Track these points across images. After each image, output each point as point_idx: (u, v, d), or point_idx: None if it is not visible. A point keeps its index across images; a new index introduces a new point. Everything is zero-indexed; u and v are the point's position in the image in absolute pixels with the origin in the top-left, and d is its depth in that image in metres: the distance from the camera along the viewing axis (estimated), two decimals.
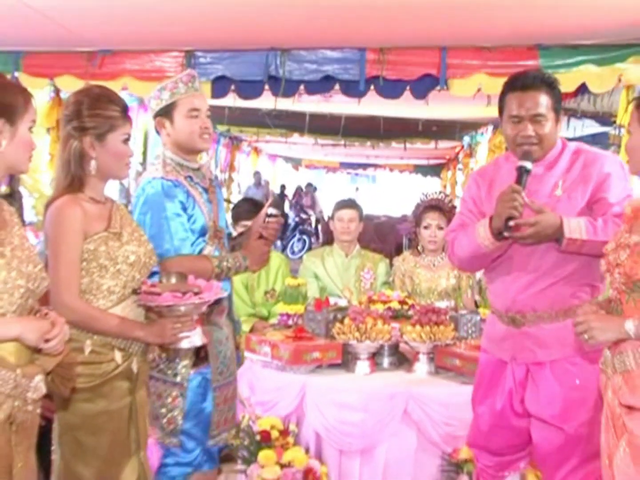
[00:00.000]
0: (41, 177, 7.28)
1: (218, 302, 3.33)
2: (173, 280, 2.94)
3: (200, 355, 3.35)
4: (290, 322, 4.65)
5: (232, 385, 3.60)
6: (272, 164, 20.93)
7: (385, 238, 12.24)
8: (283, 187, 20.76)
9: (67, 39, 5.49)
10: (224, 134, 12.94)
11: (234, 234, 3.90)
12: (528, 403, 3.24)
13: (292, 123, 10.70)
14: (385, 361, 4.42)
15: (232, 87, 5.86)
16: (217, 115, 3.34)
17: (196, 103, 3.44)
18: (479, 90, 5.41)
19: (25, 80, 5.68)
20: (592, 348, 2.74)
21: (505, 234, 3.04)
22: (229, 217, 4.91)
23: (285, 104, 7.09)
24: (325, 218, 14.83)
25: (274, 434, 4.10)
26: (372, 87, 5.65)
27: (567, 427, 3.14)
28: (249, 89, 5.88)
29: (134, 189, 3.55)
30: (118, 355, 2.84)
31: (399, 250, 9.09)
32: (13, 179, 7.12)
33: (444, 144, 13.44)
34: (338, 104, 7.83)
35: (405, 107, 8.07)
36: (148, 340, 2.90)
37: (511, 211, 2.98)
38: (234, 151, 14.33)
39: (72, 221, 2.78)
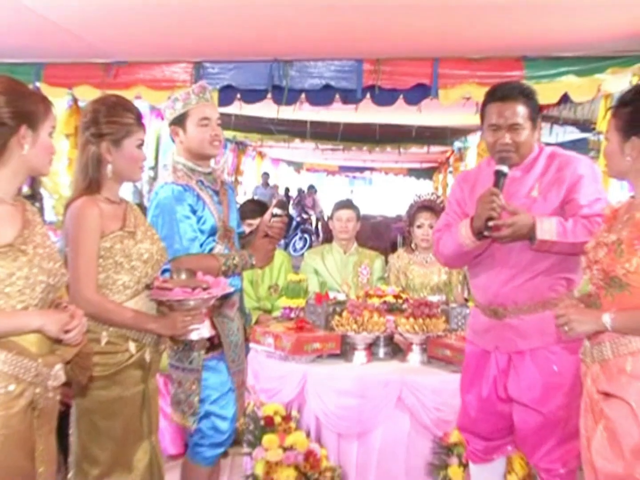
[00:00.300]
0: (60, 179, 7.27)
1: (228, 296, 3.34)
2: (183, 276, 2.94)
3: (214, 342, 3.37)
4: (292, 315, 4.65)
5: (242, 374, 3.62)
6: (276, 167, 20.91)
7: (381, 236, 12.20)
8: (287, 189, 20.75)
9: (84, 51, 5.50)
10: (230, 139, 12.93)
11: (246, 232, 3.90)
12: (510, 389, 3.25)
13: (294, 129, 10.69)
14: (381, 351, 4.42)
15: (238, 95, 5.86)
16: (224, 122, 3.36)
17: (207, 112, 3.45)
18: (468, 98, 5.41)
19: (46, 89, 5.67)
20: (571, 338, 2.76)
21: (485, 233, 3.07)
22: None
23: (288, 112, 7.09)
24: (325, 218, 14.80)
25: (277, 419, 4.11)
26: (368, 95, 5.65)
27: (546, 410, 3.17)
28: (254, 97, 5.88)
29: (146, 191, 3.58)
30: (132, 346, 2.85)
31: (393, 248, 9.09)
32: (34, 181, 7.12)
33: (435, 149, 13.41)
34: (337, 112, 7.83)
35: (400, 115, 8.08)
36: (160, 332, 2.91)
37: (490, 212, 3.01)
38: (240, 155, 14.34)
39: (90, 220, 2.78)
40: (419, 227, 5.19)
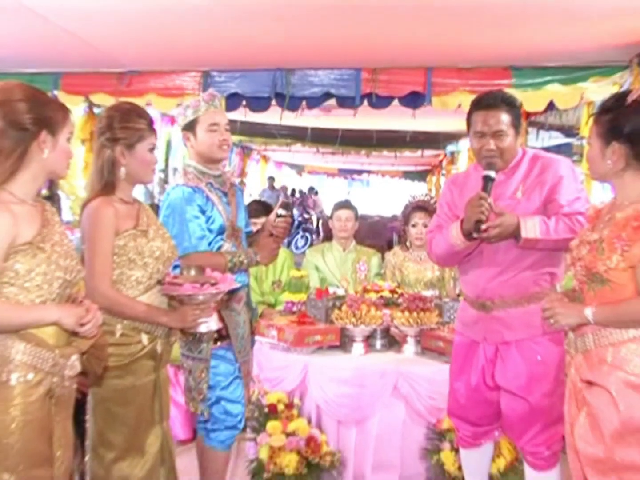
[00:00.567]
0: (77, 182, 7.28)
1: (235, 291, 3.36)
2: (192, 273, 2.95)
3: (222, 334, 3.37)
4: (294, 309, 4.64)
5: (247, 364, 3.63)
6: (279, 170, 20.89)
7: (378, 235, 12.17)
8: (293, 190, 20.73)
9: (100, 61, 5.50)
10: (236, 144, 12.93)
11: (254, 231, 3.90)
12: (498, 377, 3.26)
13: (296, 134, 10.68)
14: (378, 343, 4.42)
15: (243, 102, 5.86)
16: (230, 127, 3.37)
17: (216, 118, 3.45)
18: (459, 105, 5.41)
19: (63, 97, 5.66)
20: (555, 330, 2.81)
21: (475, 235, 3.08)
22: None
23: (290, 118, 7.09)
24: (325, 218, 14.78)
25: (280, 407, 4.11)
26: (365, 102, 5.65)
27: (531, 397, 3.18)
28: (258, 104, 5.87)
29: (157, 192, 3.59)
30: (145, 338, 2.85)
31: (389, 246, 9.07)
32: (52, 184, 7.13)
33: (429, 153, 13.39)
34: (336, 118, 7.83)
35: (395, 121, 8.08)
36: (171, 324, 2.91)
37: (479, 215, 3.03)
38: (245, 159, 14.33)
39: (105, 220, 2.78)
40: (413, 226, 5.19)
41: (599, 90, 5.12)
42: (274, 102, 5.80)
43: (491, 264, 3.22)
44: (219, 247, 3.38)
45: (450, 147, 12.01)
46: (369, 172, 21.53)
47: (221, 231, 3.40)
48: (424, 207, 5.20)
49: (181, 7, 4.08)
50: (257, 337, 4.32)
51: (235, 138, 11.83)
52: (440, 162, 14.20)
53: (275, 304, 5.39)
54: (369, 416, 4.06)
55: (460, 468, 3.76)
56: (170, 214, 3.32)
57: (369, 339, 4.35)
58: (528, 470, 3.33)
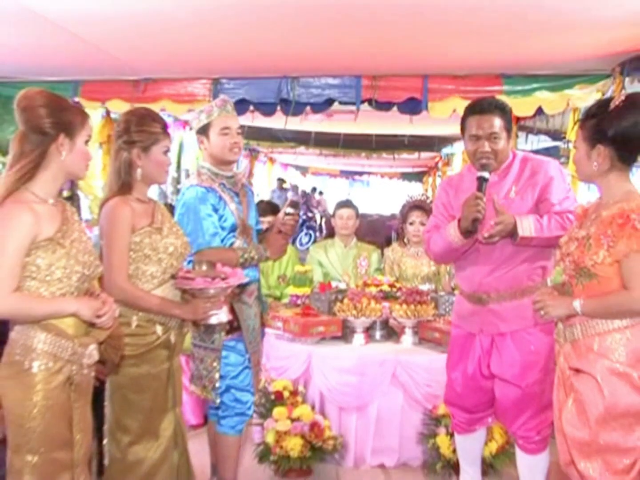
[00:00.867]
0: (95, 182, 7.27)
1: (246, 285, 3.37)
2: (204, 267, 2.94)
3: (233, 325, 3.36)
4: (299, 301, 4.65)
5: (257, 354, 3.61)
6: (284, 171, 20.88)
7: (377, 232, 12.13)
8: (304, 191, 20.73)
9: (116, 69, 5.49)
10: (244, 146, 12.91)
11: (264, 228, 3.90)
12: (493, 367, 3.26)
13: (300, 138, 10.66)
14: (378, 334, 4.42)
15: (251, 107, 5.85)
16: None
17: (227, 123, 3.45)
18: (454, 110, 5.39)
19: (83, 104, 5.66)
20: (546, 321, 2.82)
21: (480, 238, 3.10)
22: None
23: (295, 123, 7.07)
24: (329, 216, 14.76)
25: (286, 393, 4.12)
26: (367, 106, 5.64)
27: (524, 384, 3.18)
28: (265, 109, 5.86)
29: (170, 192, 3.59)
30: (159, 329, 2.85)
31: (388, 242, 9.05)
32: (73, 184, 7.13)
33: (425, 155, 13.34)
34: (338, 123, 7.82)
35: (393, 126, 8.07)
36: (183, 316, 2.91)
37: (475, 214, 3.04)
38: (252, 161, 14.33)
39: (122, 217, 2.78)
40: (410, 224, 5.19)
41: (584, 97, 5.12)
42: (279, 107, 5.79)
43: (487, 260, 3.22)
44: (231, 244, 3.38)
45: (445, 150, 11.98)
46: (368, 173, 21.52)
47: (233, 229, 3.40)
48: (421, 206, 5.20)
49: (193, 19, 4.08)
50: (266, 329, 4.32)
51: (243, 141, 11.83)
52: (436, 164, 14.16)
53: (280, 297, 5.38)
54: (369, 403, 4.06)
55: (454, 451, 3.76)
56: (185, 213, 3.32)
57: (369, 330, 4.35)
58: (519, 454, 3.33)
